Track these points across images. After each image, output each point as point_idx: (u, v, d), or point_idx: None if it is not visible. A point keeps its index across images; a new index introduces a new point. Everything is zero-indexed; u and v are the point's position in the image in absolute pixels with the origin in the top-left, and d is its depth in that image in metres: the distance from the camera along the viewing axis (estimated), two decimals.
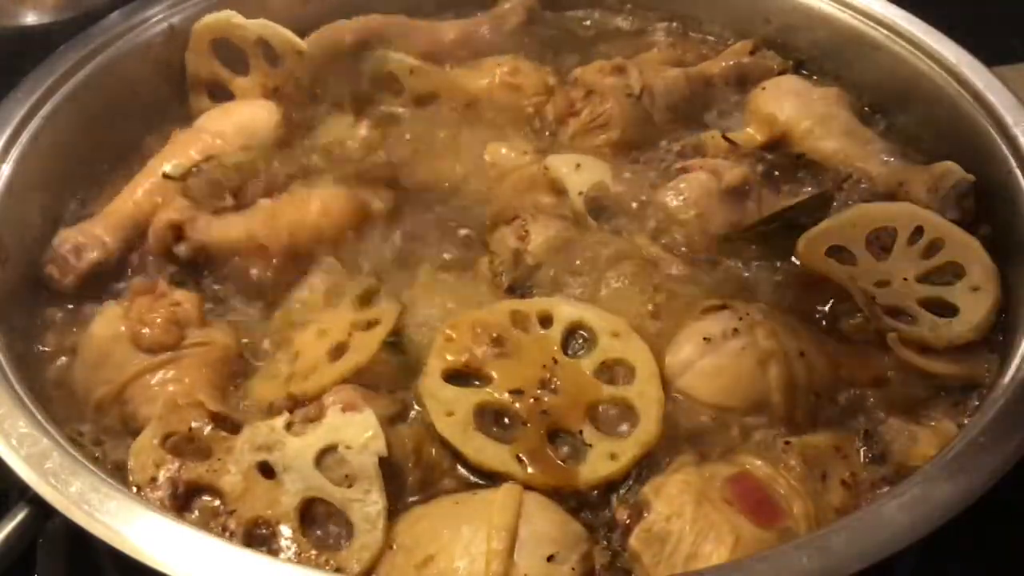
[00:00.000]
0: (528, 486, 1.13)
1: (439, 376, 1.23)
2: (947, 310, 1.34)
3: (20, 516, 1.09)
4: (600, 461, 1.16)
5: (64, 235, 1.45)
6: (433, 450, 1.18)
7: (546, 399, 1.21)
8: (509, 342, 1.26)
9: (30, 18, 1.69)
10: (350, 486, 1.12)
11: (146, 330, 1.29)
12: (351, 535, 1.10)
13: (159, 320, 1.30)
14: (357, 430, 1.15)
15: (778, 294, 1.39)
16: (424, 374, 1.24)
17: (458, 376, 1.24)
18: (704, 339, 1.26)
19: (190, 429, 1.18)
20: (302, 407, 1.21)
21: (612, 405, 1.22)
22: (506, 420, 1.21)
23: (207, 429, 1.18)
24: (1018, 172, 1.44)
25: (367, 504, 1.11)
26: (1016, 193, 1.42)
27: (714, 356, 1.25)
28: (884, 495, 1.07)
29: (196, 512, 1.13)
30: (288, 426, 1.17)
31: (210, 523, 1.11)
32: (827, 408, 1.26)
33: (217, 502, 1.13)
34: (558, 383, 1.23)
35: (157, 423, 1.18)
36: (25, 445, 1.10)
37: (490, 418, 1.21)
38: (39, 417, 1.15)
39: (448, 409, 1.20)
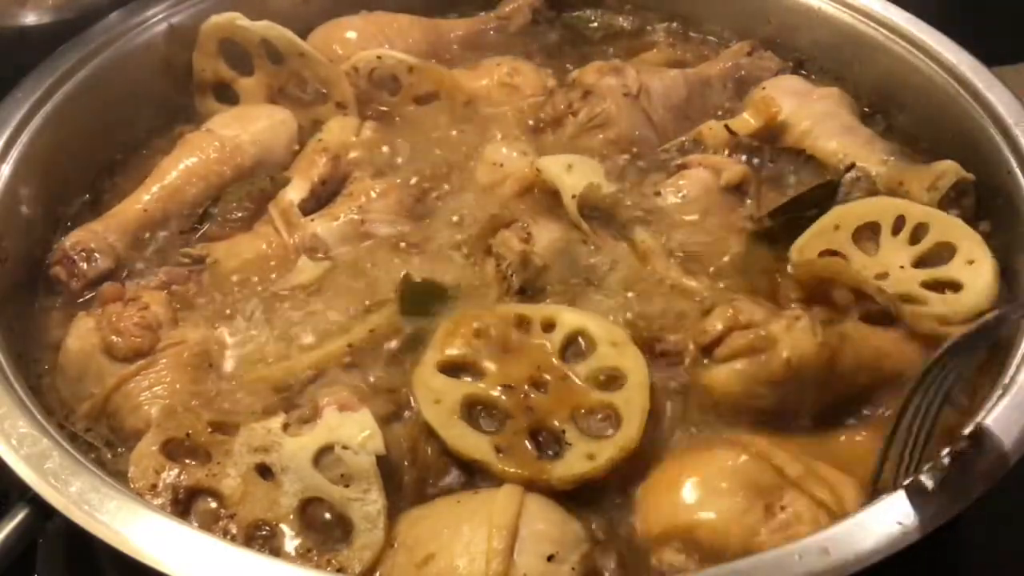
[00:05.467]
0: (503, 478, 1.13)
1: (434, 367, 1.24)
2: (951, 287, 1.34)
3: (20, 516, 1.09)
4: (577, 460, 1.16)
5: (74, 237, 1.44)
6: (429, 449, 1.18)
7: (533, 396, 1.21)
8: (508, 342, 1.27)
9: (30, 18, 1.68)
10: (348, 485, 1.12)
11: (118, 339, 1.29)
12: (352, 534, 1.10)
13: (131, 327, 1.30)
14: (354, 429, 1.15)
15: (779, 293, 1.39)
16: (420, 364, 1.25)
17: (453, 369, 1.25)
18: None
19: (188, 435, 1.17)
20: (297, 408, 1.21)
21: (598, 409, 1.21)
22: (493, 416, 1.21)
23: (205, 433, 1.18)
24: (1018, 172, 1.43)
25: (367, 503, 1.11)
26: (1016, 192, 1.42)
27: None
28: (884, 495, 1.07)
29: (197, 516, 1.13)
30: (284, 427, 1.17)
31: (211, 527, 1.11)
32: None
33: (217, 505, 1.13)
34: (548, 384, 1.23)
35: (156, 430, 1.19)
36: (25, 445, 1.10)
37: (478, 412, 1.21)
38: (39, 417, 1.15)
39: (436, 397, 1.20)
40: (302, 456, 1.14)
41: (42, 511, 1.08)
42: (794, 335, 1.21)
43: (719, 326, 1.22)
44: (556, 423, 1.19)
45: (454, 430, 1.18)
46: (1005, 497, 1.08)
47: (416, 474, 1.17)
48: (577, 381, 1.24)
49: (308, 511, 1.13)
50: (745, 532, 1.09)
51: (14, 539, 1.08)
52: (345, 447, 1.14)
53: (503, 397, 1.21)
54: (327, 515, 1.12)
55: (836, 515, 1.09)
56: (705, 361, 1.23)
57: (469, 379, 1.24)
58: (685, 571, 1.09)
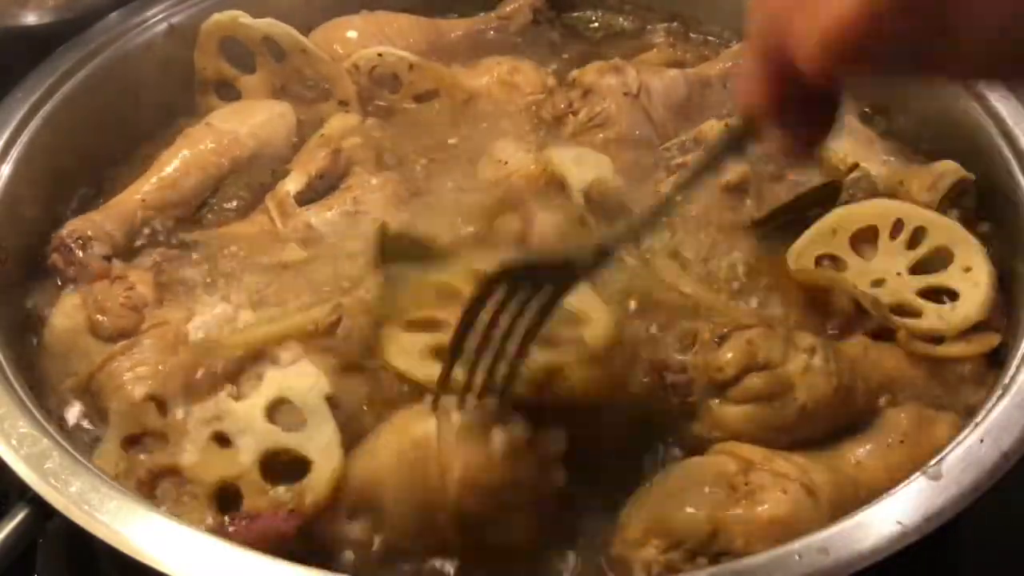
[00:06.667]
0: None
1: (400, 327, 1.24)
2: (948, 295, 1.34)
3: (20, 516, 1.09)
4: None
5: (71, 226, 1.44)
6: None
7: None
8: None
9: (30, 18, 1.68)
10: (302, 428, 1.15)
11: (104, 318, 1.30)
12: (311, 468, 1.13)
13: (116, 306, 1.30)
14: (299, 378, 1.18)
15: (781, 296, 1.39)
16: (387, 325, 1.25)
17: (420, 328, 1.24)
18: None
19: (143, 428, 1.18)
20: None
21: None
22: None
23: (159, 421, 1.19)
24: (1018, 172, 1.43)
25: (322, 436, 1.14)
26: (1016, 193, 1.42)
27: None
28: (884, 495, 1.07)
29: (162, 494, 1.14)
30: (234, 397, 1.19)
31: (178, 499, 1.12)
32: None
33: (180, 479, 1.14)
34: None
35: (113, 430, 1.19)
36: (25, 445, 1.10)
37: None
38: (39, 417, 1.15)
39: (403, 349, 1.21)
40: (254, 415, 1.17)
41: (42, 511, 1.08)
42: (810, 379, 1.19)
43: (735, 366, 1.19)
44: None
45: (425, 370, 1.18)
46: (1005, 497, 1.08)
47: (375, 413, 1.19)
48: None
49: (269, 463, 1.14)
50: (714, 508, 1.09)
51: (14, 539, 1.08)
52: (294, 394, 1.17)
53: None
54: (289, 462, 1.14)
55: (803, 484, 1.10)
56: (717, 400, 1.21)
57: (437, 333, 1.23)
58: (672, 566, 1.09)
